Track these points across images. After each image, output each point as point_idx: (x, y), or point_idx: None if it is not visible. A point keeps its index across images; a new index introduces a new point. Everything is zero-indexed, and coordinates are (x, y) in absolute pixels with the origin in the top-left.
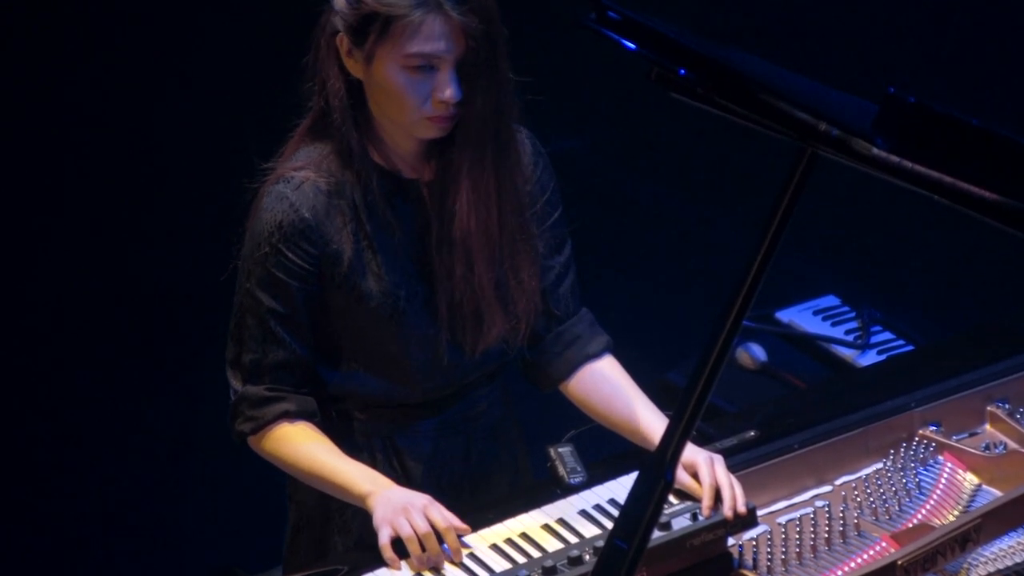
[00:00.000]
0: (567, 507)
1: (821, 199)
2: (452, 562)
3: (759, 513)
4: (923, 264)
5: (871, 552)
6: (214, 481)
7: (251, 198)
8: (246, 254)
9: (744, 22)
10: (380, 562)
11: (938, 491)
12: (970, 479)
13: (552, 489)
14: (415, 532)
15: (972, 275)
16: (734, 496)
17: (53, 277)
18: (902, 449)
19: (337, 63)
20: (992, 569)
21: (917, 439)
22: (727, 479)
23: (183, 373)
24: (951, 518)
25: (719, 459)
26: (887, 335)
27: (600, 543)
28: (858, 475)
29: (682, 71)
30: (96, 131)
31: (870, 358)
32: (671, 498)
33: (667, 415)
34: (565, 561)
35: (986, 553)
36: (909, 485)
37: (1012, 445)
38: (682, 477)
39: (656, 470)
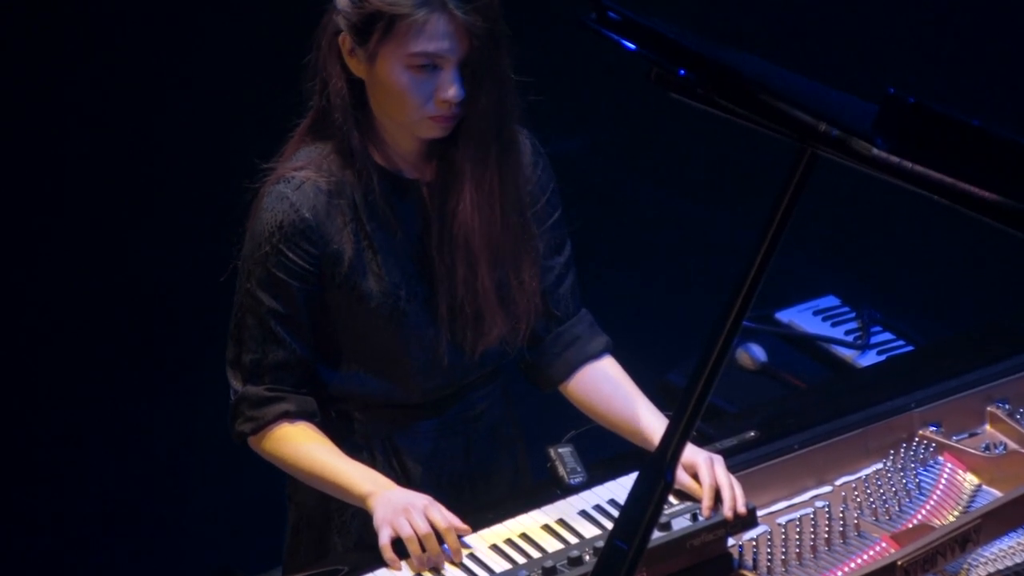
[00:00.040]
0: (567, 507)
1: (821, 199)
2: (452, 562)
3: (759, 513)
4: (923, 264)
5: (871, 552)
6: (214, 481)
7: (251, 198)
8: (246, 254)
9: (744, 22)
10: (380, 562)
11: (938, 491)
12: (970, 479)
13: (552, 489)
14: (415, 532)
15: (972, 275)
16: (734, 496)
17: (53, 277)
18: (902, 449)
19: (339, 63)
20: (992, 570)
21: (917, 439)
22: (727, 479)
23: (183, 373)
24: (951, 518)
25: (719, 459)
26: (887, 335)
27: (600, 544)
28: (858, 475)
29: (682, 71)
30: (96, 131)
31: (870, 358)
32: (671, 498)
33: (667, 415)
34: (565, 562)
35: (986, 554)
36: (909, 485)
37: (1012, 445)
38: (682, 478)
39: (656, 470)
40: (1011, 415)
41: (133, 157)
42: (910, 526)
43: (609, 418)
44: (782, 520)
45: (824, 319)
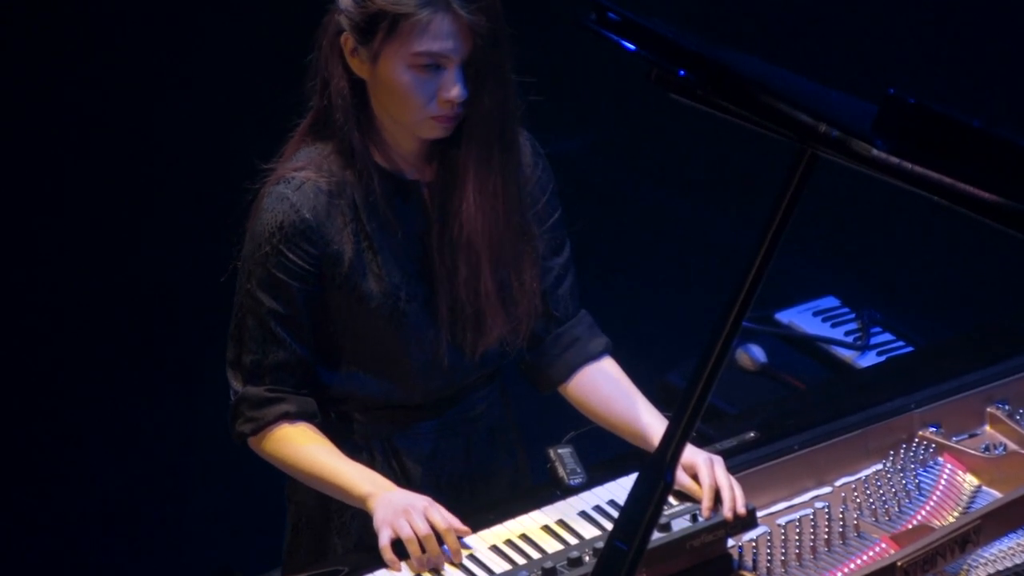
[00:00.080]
0: (567, 508)
1: (821, 199)
2: (452, 563)
3: (759, 514)
4: (923, 265)
5: (871, 553)
6: (214, 481)
7: (251, 199)
8: (247, 255)
9: (744, 22)
10: (380, 563)
11: (938, 492)
12: (970, 480)
13: (552, 490)
14: (415, 534)
15: (972, 276)
16: (734, 497)
17: (53, 277)
18: (902, 450)
19: (341, 63)
20: (992, 570)
21: (917, 440)
22: (727, 480)
23: (183, 373)
24: (951, 519)
25: (719, 460)
26: (887, 336)
27: (600, 544)
28: (858, 476)
29: (682, 72)
30: (96, 131)
31: (870, 359)
32: (671, 499)
33: (667, 416)
34: (565, 562)
35: (986, 554)
36: (909, 486)
37: (1012, 446)
38: (682, 478)
39: (656, 471)
40: (1011, 416)
41: (133, 157)
42: (910, 527)
43: (609, 419)
44: (782, 521)
45: (824, 320)
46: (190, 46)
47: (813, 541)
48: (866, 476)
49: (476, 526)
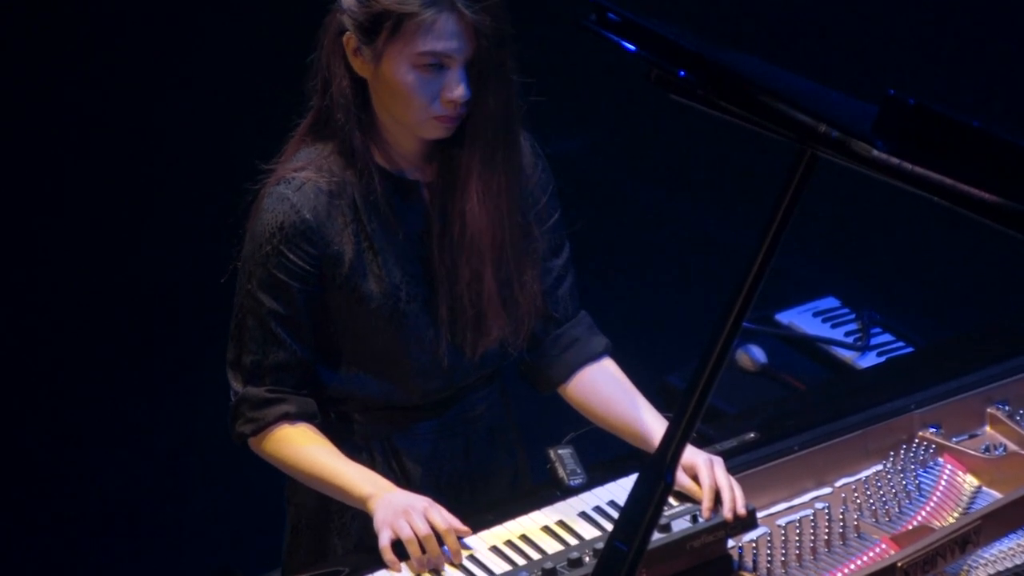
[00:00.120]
0: (567, 509)
1: (821, 199)
2: (452, 564)
3: (759, 515)
4: (923, 265)
5: (871, 554)
6: (214, 481)
7: (252, 199)
8: (247, 255)
9: (744, 22)
10: (380, 564)
11: (938, 493)
12: (970, 481)
13: (552, 491)
14: (415, 534)
15: (972, 276)
16: (734, 498)
17: (53, 277)
18: (902, 451)
19: (343, 62)
20: (992, 571)
21: (917, 441)
22: (727, 481)
23: (183, 373)
24: (951, 520)
25: (719, 461)
26: (887, 337)
27: (600, 545)
28: (858, 477)
29: (682, 73)
30: (96, 131)
31: (870, 360)
32: (671, 500)
33: (667, 417)
34: (565, 563)
35: (986, 555)
36: (909, 487)
37: (1012, 447)
38: (682, 479)
39: (656, 472)
40: (1011, 416)
41: (133, 157)
42: (910, 527)
43: (608, 420)
44: (782, 521)
45: (824, 320)
46: (190, 46)
47: (813, 542)
48: (866, 477)
49: (476, 526)
